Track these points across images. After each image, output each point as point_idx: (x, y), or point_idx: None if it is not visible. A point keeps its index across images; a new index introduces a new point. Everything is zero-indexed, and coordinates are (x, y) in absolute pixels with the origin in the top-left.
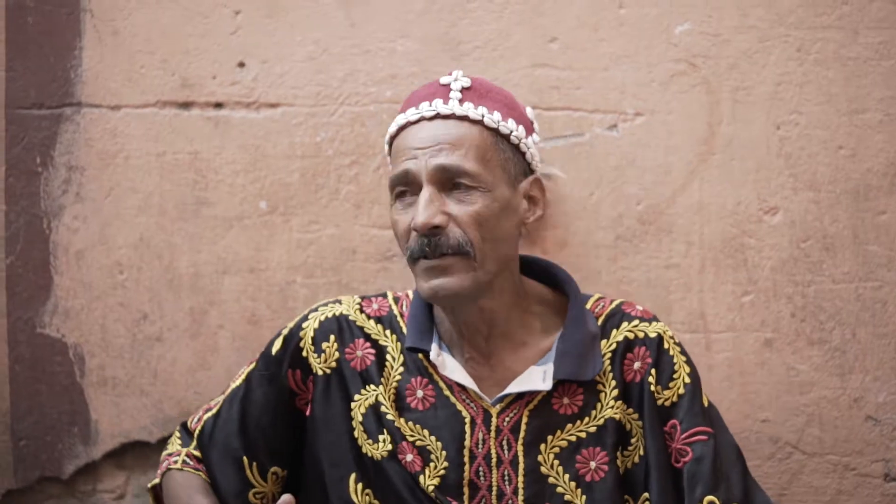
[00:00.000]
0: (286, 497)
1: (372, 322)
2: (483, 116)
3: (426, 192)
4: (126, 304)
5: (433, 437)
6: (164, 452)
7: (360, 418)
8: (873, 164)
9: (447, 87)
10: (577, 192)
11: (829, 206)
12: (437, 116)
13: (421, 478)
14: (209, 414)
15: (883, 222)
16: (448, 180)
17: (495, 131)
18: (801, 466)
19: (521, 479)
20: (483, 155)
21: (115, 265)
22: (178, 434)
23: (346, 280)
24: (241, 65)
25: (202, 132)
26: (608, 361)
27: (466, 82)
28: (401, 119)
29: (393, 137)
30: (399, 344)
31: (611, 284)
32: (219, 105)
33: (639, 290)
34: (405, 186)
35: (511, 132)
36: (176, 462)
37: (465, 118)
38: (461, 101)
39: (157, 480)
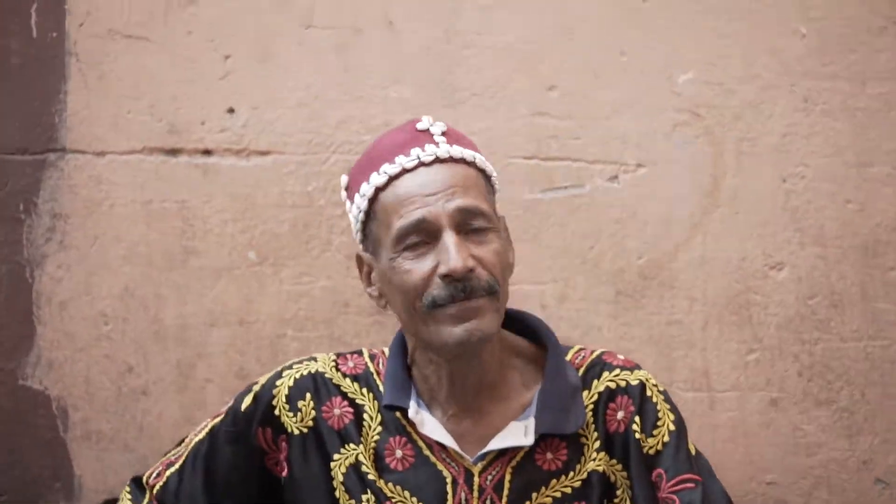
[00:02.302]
0: None
1: (348, 380)
2: (475, 158)
3: (451, 236)
4: (111, 356)
5: (414, 499)
6: None
7: (341, 478)
8: (882, 219)
9: (427, 132)
10: (577, 244)
11: (837, 262)
12: (437, 161)
13: None
14: (172, 469)
15: (892, 279)
16: (465, 223)
17: (483, 171)
18: None
19: None
20: (484, 195)
21: (100, 316)
22: (128, 490)
23: (339, 333)
24: (231, 111)
25: (190, 180)
26: (590, 413)
27: (443, 126)
28: (389, 169)
29: (380, 190)
30: (376, 402)
31: (611, 341)
32: (207, 152)
33: (640, 347)
34: (418, 236)
35: (492, 172)
36: None
37: (461, 160)
38: (449, 144)
39: None
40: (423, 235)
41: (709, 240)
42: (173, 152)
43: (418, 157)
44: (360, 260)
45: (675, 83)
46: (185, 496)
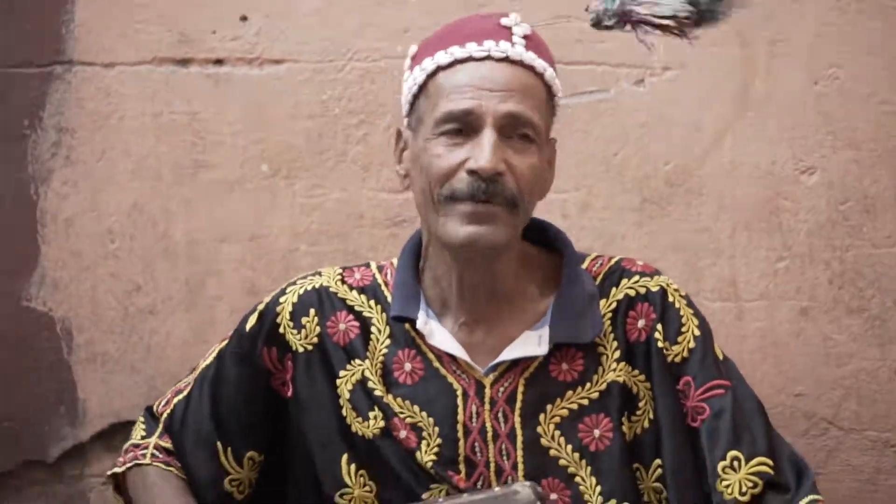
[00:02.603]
0: None
1: (354, 293)
2: (545, 70)
3: (491, 135)
4: (118, 275)
5: (424, 413)
6: (129, 441)
7: (348, 395)
8: None
9: (508, 29)
10: (601, 150)
11: (871, 166)
12: (507, 59)
13: (417, 454)
14: (179, 397)
15: None
16: (511, 128)
17: (549, 88)
18: (837, 443)
19: (519, 453)
20: (541, 109)
21: (107, 233)
22: (142, 420)
23: (354, 247)
24: (244, 19)
25: (201, 91)
26: (608, 322)
27: (527, 29)
28: (457, 52)
29: (441, 69)
30: (384, 315)
31: (636, 250)
32: (219, 62)
33: (666, 256)
34: (460, 125)
35: (558, 93)
36: (144, 455)
37: (531, 68)
38: (526, 49)
39: (118, 469)
40: (465, 126)
41: (738, 145)
42: (184, 62)
43: (489, 51)
44: (399, 135)
45: None
46: (192, 422)
